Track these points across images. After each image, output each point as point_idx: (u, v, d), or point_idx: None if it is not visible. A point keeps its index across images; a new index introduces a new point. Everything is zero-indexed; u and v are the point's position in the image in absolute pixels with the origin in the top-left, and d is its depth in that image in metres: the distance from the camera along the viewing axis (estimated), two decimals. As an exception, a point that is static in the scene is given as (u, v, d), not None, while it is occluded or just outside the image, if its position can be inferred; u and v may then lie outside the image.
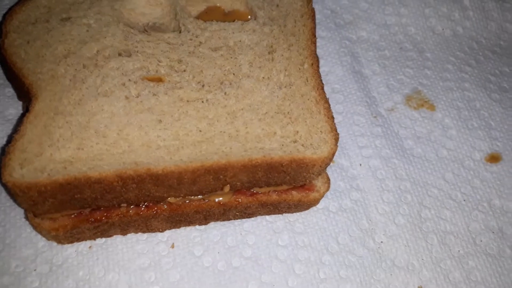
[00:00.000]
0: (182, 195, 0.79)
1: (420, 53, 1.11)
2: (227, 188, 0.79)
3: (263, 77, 0.84)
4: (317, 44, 1.06)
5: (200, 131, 0.78)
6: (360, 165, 0.95)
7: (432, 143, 0.98)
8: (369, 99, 1.03)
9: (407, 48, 1.11)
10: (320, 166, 0.79)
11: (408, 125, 1.00)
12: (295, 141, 0.79)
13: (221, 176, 0.76)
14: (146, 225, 0.82)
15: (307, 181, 0.83)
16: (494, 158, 0.97)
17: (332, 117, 0.82)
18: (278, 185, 0.83)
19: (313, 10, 0.94)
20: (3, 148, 0.88)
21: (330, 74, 1.05)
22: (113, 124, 0.77)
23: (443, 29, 1.14)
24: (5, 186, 0.72)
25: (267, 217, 0.88)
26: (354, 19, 1.13)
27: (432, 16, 1.14)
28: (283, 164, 0.77)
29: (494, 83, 1.07)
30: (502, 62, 1.10)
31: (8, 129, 0.91)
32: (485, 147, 0.98)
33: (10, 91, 0.94)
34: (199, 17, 0.92)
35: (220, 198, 0.81)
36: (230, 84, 0.83)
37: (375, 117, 1.01)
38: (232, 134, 0.78)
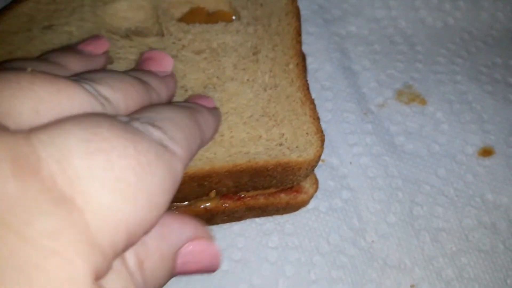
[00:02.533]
0: None
1: (411, 46, 1.09)
2: (213, 194, 0.79)
3: (248, 79, 0.83)
4: (306, 41, 1.05)
5: None
6: (351, 163, 0.94)
7: (424, 138, 0.97)
8: (359, 95, 1.02)
9: (397, 41, 1.09)
10: (307, 168, 0.78)
11: (399, 120, 0.99)
12: (280, 144, 0.77)
13: (206, 183, 0.76)
14: None
15: (294, 183, 0.82)
16: (486, 152, 0.95)
17: (318, 118, 0.80)
18: (265, 189, 0.82)
19: (297, 8, 0.92)
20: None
21: (320, 71, 1.04)
22: None
23: (433, 21, 1.11)
24: None
25: (257, 219, 0.87)
26: (343, 14, 1.12)
27: (422, 7, 1.12)
28: (269, 168, 0.76)
29: (486, 74, 1.05)
30: (494, 53, 1.07)
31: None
32: (477, 141, 0.96)
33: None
34: (182, 19, 0.91)
35: (207, 204, 0.81)
36: (214, 87, 0.82)
37: (365, 113, 0.99)
38: (217, 139, 0.77)
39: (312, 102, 0.82)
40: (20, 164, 0.29)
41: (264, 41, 0.88)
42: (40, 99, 0.35)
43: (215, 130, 0.66)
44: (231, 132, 0.78)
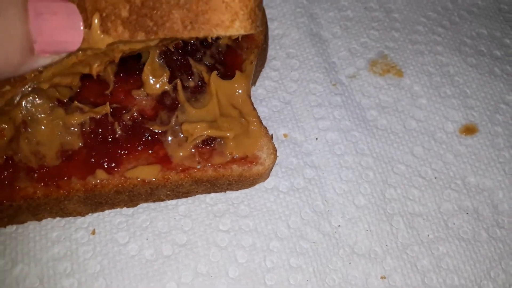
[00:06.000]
0: None
1: (387, 13, 0.99)
2: (96, 20, 0.53)
3: None
4: (270, 4, 0.97)
5: None
6: (316, 139, 0.84)
7: (399, 113, 0.87)
8: (328, 65, 0.92)
9: (372, 8, 1.00)
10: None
11: (371, 93, 0.89)
12: None
13: None
14: (61, 209, 0.71)
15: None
16: (469, 130, 0.86)
17: None
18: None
19: None
20: None
21: (285, 37, 0.94)
22: None
23: (413, -13, 1.02)
24: None
25: (207, 199, 0.77)
26: (312, -24, 1.02)
27: (401, -28, 1.03)
28: None
29: (470, 46, 0.95)
30: (479, 23, 0.98)
31: None
32: (459, 118, 0.87)
33: None
34: None
35: (145, 171, 0.70)
36: None
37: (334, 85, 0.89)
38: None
39: None
40: None
41: None
42: None
43: None
44: None
